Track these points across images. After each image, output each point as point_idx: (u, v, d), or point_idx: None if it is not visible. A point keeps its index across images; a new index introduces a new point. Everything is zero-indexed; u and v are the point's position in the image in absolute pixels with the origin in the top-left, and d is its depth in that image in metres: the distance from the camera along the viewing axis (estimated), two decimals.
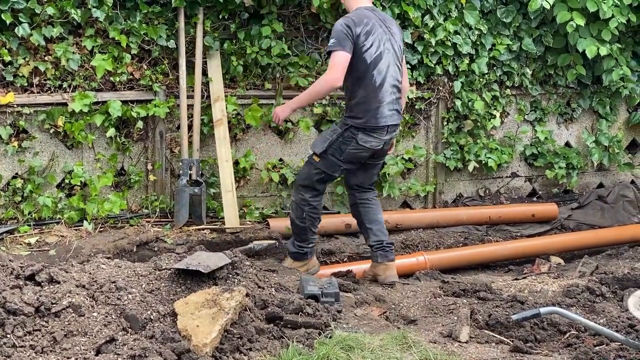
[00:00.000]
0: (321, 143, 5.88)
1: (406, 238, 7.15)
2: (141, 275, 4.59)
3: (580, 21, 7.57)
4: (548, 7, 7.52)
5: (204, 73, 6.81)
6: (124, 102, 6.56)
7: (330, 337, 4.35)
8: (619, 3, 7.69)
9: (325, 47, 7.24)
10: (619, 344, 4.40)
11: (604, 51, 7.68)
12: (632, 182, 8.57)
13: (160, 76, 6.71)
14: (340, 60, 5.66)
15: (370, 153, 5.87)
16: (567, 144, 8.34)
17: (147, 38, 6.60)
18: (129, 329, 4.17)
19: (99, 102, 6.49)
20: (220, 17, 6.86)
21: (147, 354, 3.91)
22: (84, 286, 4.39)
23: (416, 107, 7.51)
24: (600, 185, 8.49)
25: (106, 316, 4.20)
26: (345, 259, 6.73)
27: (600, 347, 4.51)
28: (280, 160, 7.23)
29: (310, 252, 6.07)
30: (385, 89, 5.79)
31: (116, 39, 6.48)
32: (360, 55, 5.71)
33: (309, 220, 5.97)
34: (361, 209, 6.08)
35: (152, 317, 4.25)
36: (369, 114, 5.77)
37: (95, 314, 4.19)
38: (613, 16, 7.63)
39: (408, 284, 5.91)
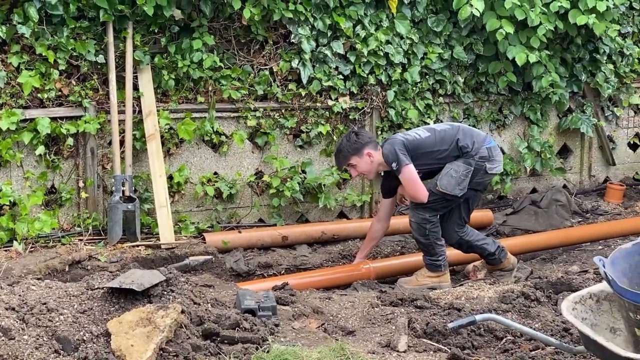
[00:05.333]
0: None
1: (343, 248, 7.14)
2: (73, 296, 4.52)
3: (510, 29, 7.67)
4: (478, 15, 7.61)
5: (135, 88, 6.73)
6: (53, 119, 6.44)
7: (268, 352, 4.31)
8: (546, 11, 7.81)
9: (257, 59, 7.21)
10: (554, 348, 4.45)
11: (533, 58, 7.80)
12: (564, 186, 8.70)
13: (90, 92, 6.61)
14: None
15: None
16: (501, 150, 8.41)
17: (75, 53, 6.50)
18: (61, 351, 4.10)
19: (27, 120, 6.37)
20: (150, 30, 6.79)
21: None
22: (13, 309, 4.31)
23: (350, 117, 7.52)
24: (534, 190, 8.61)
25: (37, 339, 4.12)
26: (282, 272, 6.69)
27: (536, 351, 4.56)
28: (215, 173, 7.17)
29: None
30: None
31: (43, 55, 6.37)
32: None
33: None
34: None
35: (85, 338, 4.19)
36: None
37: (25, 337, 4.11)
38: (541, 23, 7.75)
39: (346, 294, 5.89)
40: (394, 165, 6.12)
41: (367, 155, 6.24)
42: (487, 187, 6.81)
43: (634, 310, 3.63)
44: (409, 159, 6.12)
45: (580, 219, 8.21)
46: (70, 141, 6.53)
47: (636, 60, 8.81)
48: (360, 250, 6.73)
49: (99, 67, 6.65)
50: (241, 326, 4.56)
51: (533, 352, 4.55)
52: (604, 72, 8.55)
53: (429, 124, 7.76)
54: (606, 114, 8.90)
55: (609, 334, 3.92)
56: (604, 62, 8.54)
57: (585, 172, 8.90)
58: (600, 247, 7.49)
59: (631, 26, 8.80)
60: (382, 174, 6.60)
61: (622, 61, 8.74)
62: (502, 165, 6.56)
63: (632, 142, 9.21)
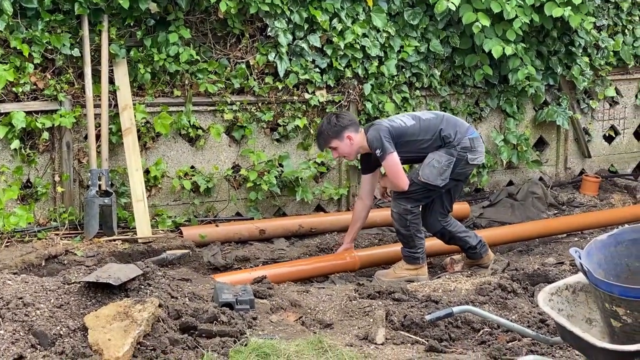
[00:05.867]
0: None
1: (321, 242, 7.14)
2: (49, 290, 4.50)
3: (486, 22, 7.69)
4: (454, 8, 7.62)
5: (111, 81, 6.69)
6: (28, 113, 6.41)
7: (246, 345, 4.31)
8: (522, 4, 7.84)
9: (234, 53, 7.19)
10: (531, 339, 4.47)
11: (509, 51, 7.82)
12: (541, 179, 8.74)
13: (66, 85, 6.57)
14: None
15: None
16: None
17: (50, 47, 6.46)
18: (38, 346, 4.08)
19: (2, 114, 6.33)
20: (126, 24, 6.75)
21: None
22: None
23: (327, 110, 7.51)
24: (510, 183, 8.64)
25: (14, 333, 4.10)
26: (260, 265, 6.68)
27: (513, 342, 4.59)
28: (192, 167, 7.15)
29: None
30: None
31: (18, 48, 6.33)
32: None
33: None
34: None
35: (61, 332, 4.17)
36: None
37: (2, 332, 4.09)
38: (517, 16, 7.77)
39: (324, 287, 5.90)
40: (377, 152, 6.14)
41: (347, 138, 6.26)
42: (468, 177, 6.85)
43: (609, 301, 3.65)
44: (393, 146, 6.15)
45: (556, 211, 8.25)
46: (45, 135, 6.49)
47: (611, 53, 8.86)
48: (347, 234, 6.70)
49: (74, 60, 6.61)
50: (219, 320, 4.56)
51: (510, 344, 4.57)
52: (580, 65, 8.59)
53: None
54: (582, 107, 8.94)
55: (585, 325, 3.94)
56: (580, 55, 8.58)
57: (561, 164, 8.95)
58: (576, 239, 7.54)
59: (606, 19, 8.85)
60: (360, 156, 6.59)
61: (597, 54, 8.79)
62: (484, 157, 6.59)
63: (607, 135, 9.26)
